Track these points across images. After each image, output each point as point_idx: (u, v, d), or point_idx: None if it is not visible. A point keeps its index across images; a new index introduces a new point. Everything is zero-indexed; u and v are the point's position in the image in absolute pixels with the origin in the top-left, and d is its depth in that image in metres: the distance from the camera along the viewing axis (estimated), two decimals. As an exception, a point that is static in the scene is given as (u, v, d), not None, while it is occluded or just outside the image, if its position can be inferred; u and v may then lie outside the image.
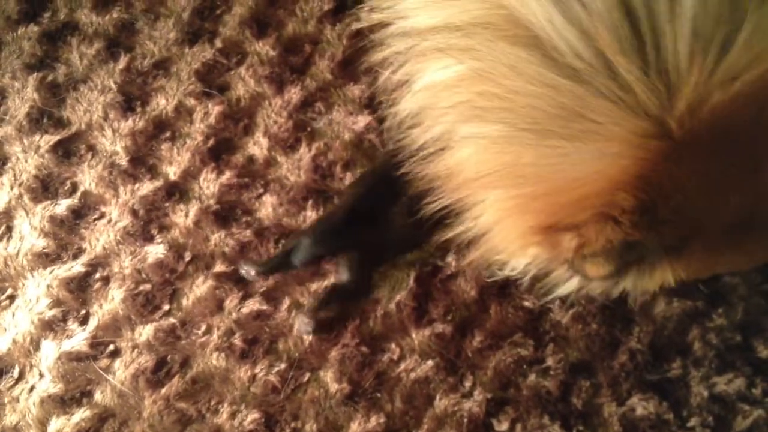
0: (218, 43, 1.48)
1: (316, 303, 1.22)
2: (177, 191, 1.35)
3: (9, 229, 1.34)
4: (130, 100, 1.43)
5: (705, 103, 0.78)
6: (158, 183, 1.35)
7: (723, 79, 0.77)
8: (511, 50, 0.83)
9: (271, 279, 1.26)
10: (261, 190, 1.34)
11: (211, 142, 1.38)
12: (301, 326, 1.21)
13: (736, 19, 0.77)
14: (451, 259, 1.25)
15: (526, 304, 1.21)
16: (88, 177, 1.37)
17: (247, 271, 1.26)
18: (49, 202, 1.35)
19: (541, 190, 0.87)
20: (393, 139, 1.13)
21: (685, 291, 1.19)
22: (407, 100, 0.98)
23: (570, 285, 1.05)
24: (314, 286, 1.25)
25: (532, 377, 1.17)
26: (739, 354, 1.15)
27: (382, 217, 1.26)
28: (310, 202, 1.32)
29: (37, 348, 1.25)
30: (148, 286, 1.28)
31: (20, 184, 1.37)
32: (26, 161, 1.39)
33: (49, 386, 1.22)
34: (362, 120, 1.37)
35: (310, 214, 1.31)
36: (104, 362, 1.23)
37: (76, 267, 1.30)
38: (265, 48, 1.46)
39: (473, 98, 0.88)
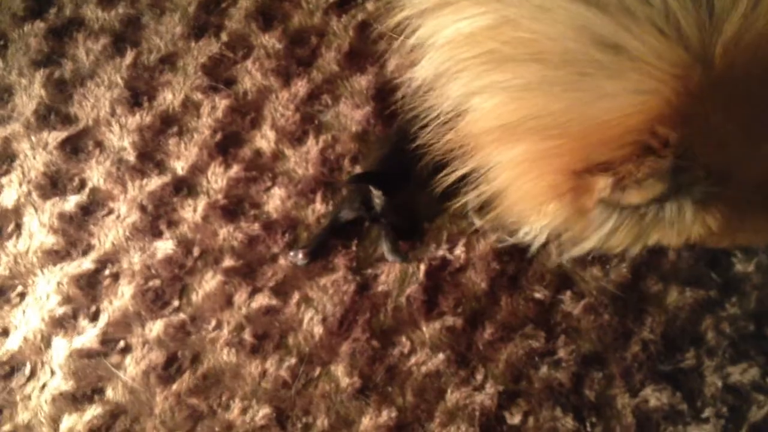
0: (224, 37, 1.47)
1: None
2: (185, 186, 1.35)
3: (18, 227, 1.35)
4: (137, 95, 1.43)
5: (749, 34, 0.74)
6: (166, 178, 1.35)
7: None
8: None
9: (281, 273, 1.26)
10: (269, 184, 1.34)
11: (219, 136, 1.38)
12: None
13: None
14: (460, 251, 1.24)
15: (537, 295, 1.21)
16: (96, 173, 1.37)
17: (295, 255, 1.26)
18: (57, 198, 1.35)
19: (572, 135, 0.83)
20: (409, 108, 1.10)
21: (697, 280, 1.18)
22: (425, 61, 0.94)
23: (588, 243, 0.98)
24: (323, 281, 1.25)
25: (543, 369, 1.17)
26: (753, 343, 1.14)
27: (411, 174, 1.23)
28: (318, 194, 1.31)
29: (48, 345, 1.26)
30: (157, 282, 1.28)
31: (29, 181, 1.37)
32: (34, 158, 1.39)
33: (61, 383, 1.22)
34: (370, 111, 1.36)
35: (319, 207, 1.31)
36: (115, 359, 1.23)
37: (86, 264, 1.30)
38: (271, 41, 1.45)
39: (498, 47, 0.83)
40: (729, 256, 1.18)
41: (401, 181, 1.23)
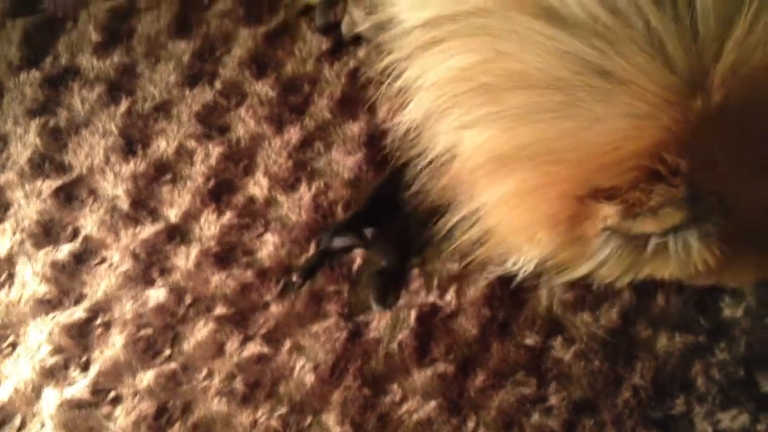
0: (218, 85, 1.48)
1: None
2: (178, 234, 1.35)
3: (11, 276, 1.35)
4: (131, 143, 1.44)
5: (747, 65, 0.74)
6: (159, 226, 1.36)
7: (762, 39, 0.74)
8: (526, 21, 0.79)
9: (273, 320, 1.26)
10: (262, 230, 1.34)
11: (212, 183, 1.39)
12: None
13: None
14: (451, 297, 1.24)
15: (528, 341, 1.21)
16: (89, 221, 1.38)
17: (292, 284, 1.28)
18: (50, 247, 1.36)
19: (568, 161, 0.82)
20: (398, 153, 1.11)
21: (686, 325, 1.18)
22: (414, 103, 0.95)
23: (578, 271, 0.98)
24: (315, 328, 1.25)
25: (535, 416, 1.16)
26: (743, 389, 1.14)
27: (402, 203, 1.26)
28: (312, 241, 1.32)
29: (38, 396, 1.25)
30: (149, 331, 1.28)
31: (22, 230, 1.38)
32: (28, 207, 1.40)
33: (51, 435, 1.22)
34: (362, 158, 1.37)
35: (312, 251, 1.31)
36: (106, 409, 1.23)
37: (78, 313, 1.30)
38: (264, 88, 1.47)
39: (488, 80, 0.84)
40: (717, 301, 1.19)
41: (391, 211, 1.25)
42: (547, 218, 0.89)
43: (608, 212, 0.82)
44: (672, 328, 1.19)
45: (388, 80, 0.97)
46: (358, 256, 1.30)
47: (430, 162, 0.98)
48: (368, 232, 1.28)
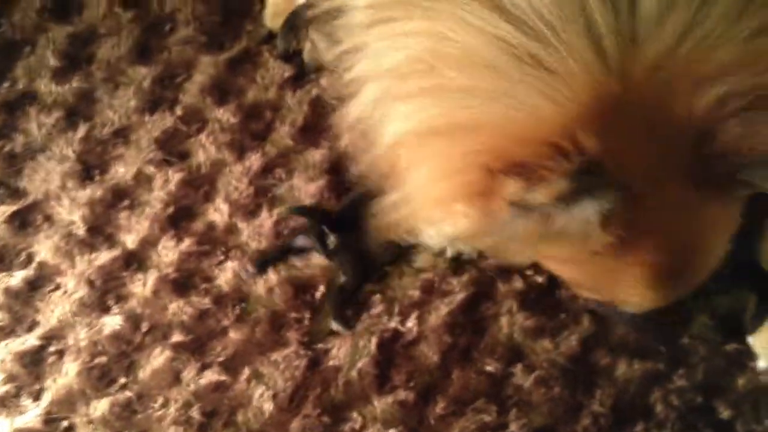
0: (179, 111, 1.48)
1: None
2: (135, 260, 1.34)
3: (-38, 303, 1.32)
4: (89, 168, 1.43)
5: (669, 68, 0.77)
6: (116, 252, 1.34)
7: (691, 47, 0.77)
8: (470, 7, 0.82)
9: (231, 347, 1.25)
10: (221, 258, 1.33)
11: (171, 209, 1.37)
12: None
13: None
14: (412, 323, 1.24)
15: (489, 368, 1.20)
16: (44, 247, 1.36)
17: (247, 271, 1.29)
18: (4, 274, 1.34)
19: (487, 133, 0.85)
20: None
21: (645, 352, 1.18)
22: (363, 93, 0.96)
23: (487, 242, 1.01)
24: (274, 356, 1.23)
25: (496, 444, 1.16)
26: (701, 416, 1.14)
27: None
28: (270, 267, 1.31)
29: (-12, 426, 1.22)
30: (104, 359, 1.25)
31: (-25, 257, 1.35)
32: (-18, 233, 1.38)
33: (1, 466, 1.19)
34: (324, 185, 1.37)
35: (273, 278, 1.30)
36: (58, 440, 1.20)
37: (30, 340, 1.27)
38: (225, 115, 1.46)
39: (431, 61, 0.87)
40: (676, 328, 1.20)
41: (355, 221, 1.25)
42: (464, 190, 0.89)
43: (513, 186, 0.83)
44: (631, 355, 1.19)
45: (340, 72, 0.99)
46: (317, 270, 1.30)
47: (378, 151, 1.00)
48: (331, 239, 1.28)
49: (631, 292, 0.97)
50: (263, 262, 1.30)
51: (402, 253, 1.28)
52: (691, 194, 0.84)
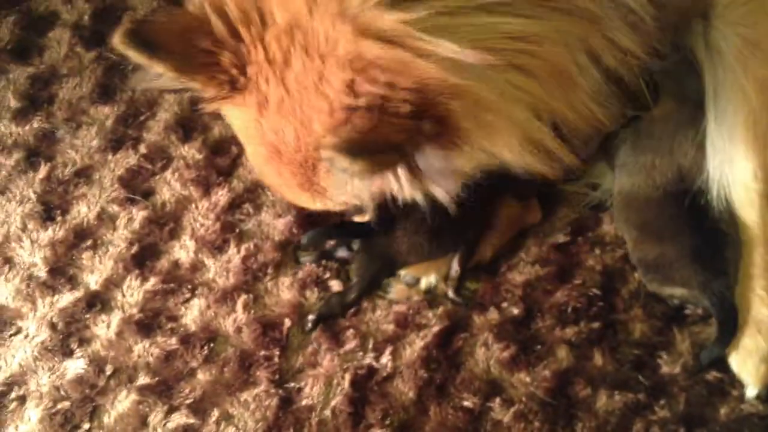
0: (143, 149, 1.45)
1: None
2: (98, 301, 1.30)
3: None
4: (50, 209, 1.40)
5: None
6: (78, 293, 1.30)
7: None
8: None
9: (199, 389, 1.21)
10: (188, 295, 1.30)
11: (135, 248, 1.34)
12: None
13: None
14: (386, 359, 1.21)
15: (466, 403, 1.17)
16: (4, 291, 1.32)
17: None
18: (-38, 319, 1.29)
19: None
20: None
21: (625, 383, 1.17)
22: None
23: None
24: (244, 396, 1.19)
25: (475, 481, 1.12)
26: (684, 447, 1.12)
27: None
28: (239, 302, 1.28)
29: (-54, 478, 1.17)
30: (67, 404, 1.21)
31: (-68, 303, 1.31)
32: (-62, 278, 1.33)
33: None
34: (292, 221, 1.34)
35: (241, 316, 1.27)
36: (17, 490, 1.15)
37: (-10, 387, 1.23)
38: (191, 151, 1.44)
39: None
40: (654, 358, 1.18)
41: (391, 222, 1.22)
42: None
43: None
44: (611, 386, 1.17)
45: None
46: (285, 307, 1.27)
47: None
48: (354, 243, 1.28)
49: None
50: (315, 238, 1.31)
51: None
52: None
